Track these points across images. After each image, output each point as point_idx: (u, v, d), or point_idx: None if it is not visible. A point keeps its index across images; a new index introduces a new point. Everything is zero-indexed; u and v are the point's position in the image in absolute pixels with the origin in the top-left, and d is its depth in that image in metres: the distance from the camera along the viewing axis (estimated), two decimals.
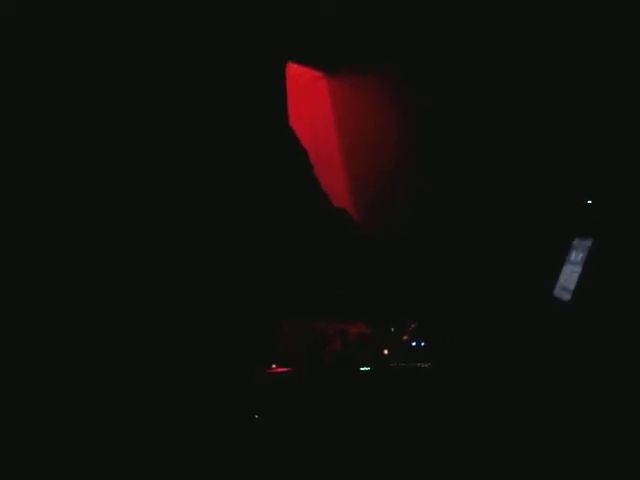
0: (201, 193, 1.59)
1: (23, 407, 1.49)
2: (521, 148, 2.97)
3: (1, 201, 1.50)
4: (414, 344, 2.33)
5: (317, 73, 3.48)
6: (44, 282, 1.50)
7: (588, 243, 2.24)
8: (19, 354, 1.50)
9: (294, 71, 3.19)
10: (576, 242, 2.35)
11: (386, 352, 2.32)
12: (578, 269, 2.24)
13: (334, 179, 3.36)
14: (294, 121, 3.16)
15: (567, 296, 2.26)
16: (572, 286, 2.23)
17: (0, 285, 1.50)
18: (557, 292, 2.39)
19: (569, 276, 2.31)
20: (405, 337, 2.36)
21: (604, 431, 1.95)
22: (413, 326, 2.38)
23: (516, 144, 2.99)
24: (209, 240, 1.61)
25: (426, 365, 2.22)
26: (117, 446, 1.52)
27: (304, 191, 1.95)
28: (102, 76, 1.50)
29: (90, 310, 1.50)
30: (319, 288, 1.92)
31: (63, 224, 1.50)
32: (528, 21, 2.89)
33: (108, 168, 1.50)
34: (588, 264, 2.18)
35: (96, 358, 1.50)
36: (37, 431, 1.49)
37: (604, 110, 2.72)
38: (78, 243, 1.51)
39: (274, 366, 2.23)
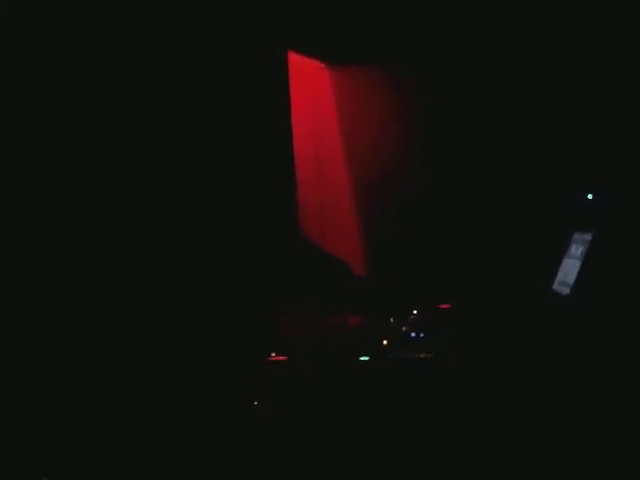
0: (201, 186, 1.60)
1: (25, 407, 1.50)
2: (521, 143, 2.97)
3: (1, 201, 1.50)
4: (413, 335, 2.34)
5: (320, 64, 3.48)
6: (41, 281, 1.51)
7: (588, 237, 2.24)
8: (20, 354, 1.51)
9: (297, 61, 3.20)
10: (576, 236, 2.36)
11: (385, 343, 2.33)
12: (577, 263, 2.24)
13: (337, 168, 3.38)
14: (297, 111, 3.16)
15: (566, 290, 2.26)
16: (571, 280, 2.24)
17: (1, 285, 1.51)
18: (556, 286, 2.39)
19: (568, 270, 2.31)
20: (404, 328, 2.37)
21: (601, 423, 1.96)
22: (412, 318, 2.39)
23: (516, 139, 2.99)
24: (210, 235, 1.62)
25: (425, 356, 2.23)
26: (119, 436, 1.53)
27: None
28: (99, 69, 1.51)
29: (93, 302, 1.51)
30: (320, 280, 1.93)
31: (56, 219, 1.51)
32: (531, 14, 2.89)
33: (103, 159, 1.51)
34: (587, 258, 2.19)
35: (98, 346, 1.51)
36: (38, 429, 1.50)
37: (604, 107, 2.73)
38: (73, 237, 1.51)
39: (273, 355, 2.24)
